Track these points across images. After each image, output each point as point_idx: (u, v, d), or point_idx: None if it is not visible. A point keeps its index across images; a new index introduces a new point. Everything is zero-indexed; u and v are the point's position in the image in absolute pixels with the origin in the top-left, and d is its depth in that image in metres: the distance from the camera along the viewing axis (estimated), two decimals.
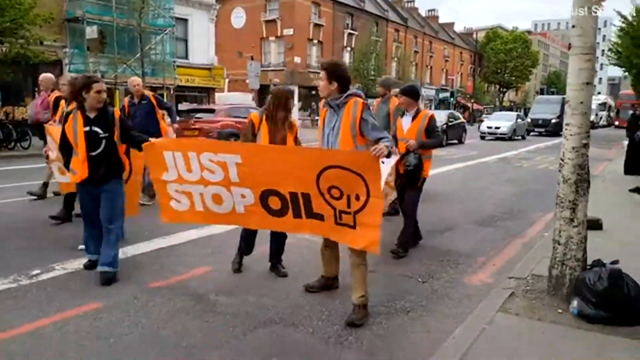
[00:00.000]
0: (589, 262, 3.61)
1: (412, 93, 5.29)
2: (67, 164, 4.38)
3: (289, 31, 38.79)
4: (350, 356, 3.14)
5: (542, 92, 61.54)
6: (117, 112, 4.26)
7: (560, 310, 3.47)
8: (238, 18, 40.31)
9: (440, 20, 64.49)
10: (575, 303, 3.36)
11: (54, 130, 5.84)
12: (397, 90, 6.56)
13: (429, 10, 63.28)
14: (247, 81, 27.92)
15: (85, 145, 4.08)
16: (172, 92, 26.06)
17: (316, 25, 40.42)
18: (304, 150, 3.91)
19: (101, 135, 4.12)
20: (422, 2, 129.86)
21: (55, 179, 6.53)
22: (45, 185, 7.54)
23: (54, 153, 5.94)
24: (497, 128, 26.31)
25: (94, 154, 4.11)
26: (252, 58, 30.90)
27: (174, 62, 25.58)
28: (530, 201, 8.69)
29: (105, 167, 4.16)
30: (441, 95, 55.97)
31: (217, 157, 3.75)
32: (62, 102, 6.61)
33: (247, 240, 4.54)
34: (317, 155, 3.58)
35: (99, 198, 4.22)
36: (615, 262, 3.50)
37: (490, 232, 6.53)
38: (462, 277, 4.74)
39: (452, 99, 51.03)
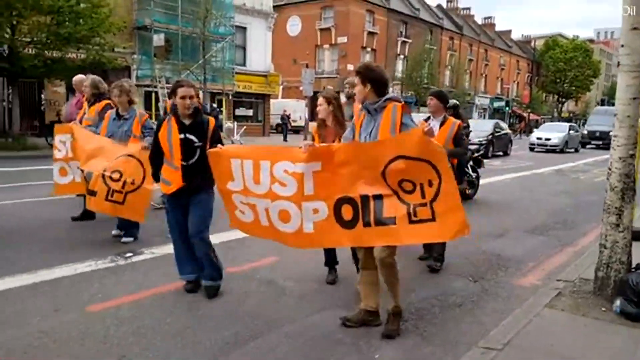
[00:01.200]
0: (633, 265, 3.84)
1: (442, 97, 5.15)
2: (155, 174, 4.20)
3: (343, 39, 39.43)
4: (407, 337, 3.53)
5: (602, 103, 59.22)
6: (212, 121, 4.07)
7: (604, 309, 3.72)
8: (294, 26, 41.39)
9: (497, 28, 63.43)
10: (618, 302, 3.61)
11: (79, 130, 5.69)
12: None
13: (485, 18, 62.43)
14: (301, 88, 28.66)
15: (181, 154, 3.89)
16: (230, 98, 27.15)
17: (370, 33, 40.87)
18: (364, 146, 3.50)
19: (196, 144, 3.91)
20: (478, 10, 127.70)
21: (53, 178, 6.08)
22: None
23: (61, 152, 5.79)
24: (548, 139, 25.16)
25: (188, 163, 3.91)
26: (307, 66, 31.66)
27: (233, 69, 26.67)
28: (585, 212, 8.72)
29: (200, 176, 3.93)
30: (496, 104, 55.02)
31: (295, 167, 3.53)
32: (85, 104, 6.45)
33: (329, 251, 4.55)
34: (376, 149, 3.36)
35: (187, 209, 4.02)
36: None
37: (542, 240, 6.71)
38: (512, 279, 5.00)
39: (507, 108, 50.10)
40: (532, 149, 25.30)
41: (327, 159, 3.50)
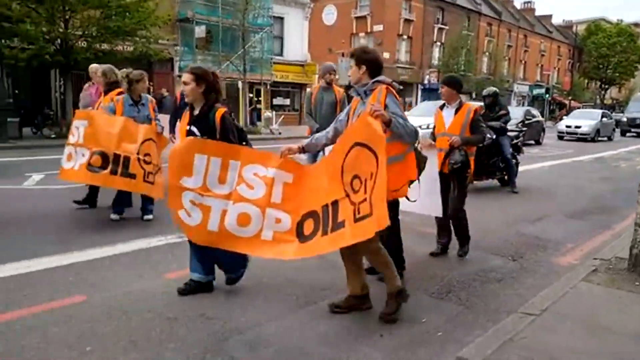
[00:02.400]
0: None
1: (453, 83, 4.86)
2: None
3: (378, 27, 39.34)
4: (449, 306, 3.87)
5: None
6: (219, 115, 3.60)
7: (637, 283, 3.97)
8: (329, 15, 41.49)
9: (537, 13, 61.77)
10: None
11: (100, 116, 5.77)
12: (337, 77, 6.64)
13: (524, 3, 60.85)
14: (337, 77, 28.87)
15: None
16: (268, 87, 27.67)
17: (406, 20, 40.61)
18: (333, 152, 3.39)
19: (197, 136, 3.61)
20: None
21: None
22: None
23: (74, 138, 5.67)
24: (578, 127, 23.88)
25: None
26: (342, 55, 31.84)
27: (271, 58, 27.15)
28: (624, 198, 8.77)
29: None
30: (535, 91, 53.82)
31: (267, 171, 3.48)
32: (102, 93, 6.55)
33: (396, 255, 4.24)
34: (337, 148, 3.33)
35: None
36: None
37: (580, 224, 6.90)
38: (550, 258, 5.26)
39: (547, 95, 48.96)
40: (560, 138, 24.14)
41: (299, 175, 3.51)
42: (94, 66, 7.32)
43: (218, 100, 3.71)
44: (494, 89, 8.32)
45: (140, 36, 17.71)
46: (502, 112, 8.77)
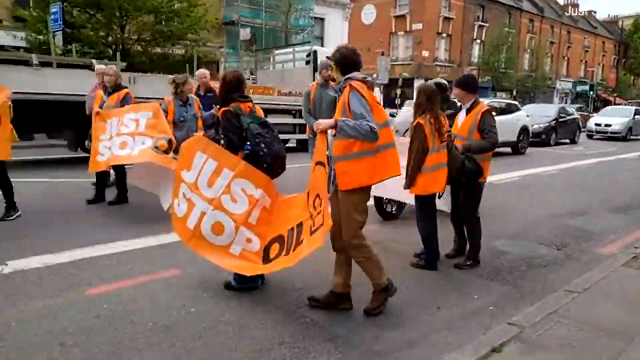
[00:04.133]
0: None
1: (465, 84, 4.68)
2: None
3: (418, 26, 39.42)
4: (497, 286, 4.30)
5: None
6: (220, 112, 3.87)
7: None
8: (368, 14, 41.65)
9: (581, 8, 60.18)
10: None
11: (158, 109, 6.19)
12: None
13: None
14: (375, 75, 29.24)
15: None
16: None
17: (446, 18, 40.52)
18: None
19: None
20: None
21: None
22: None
23: (128, 128, 6.09)
24: (608, 125, 22.63)
25: None
26: (382, 53, 32.17)
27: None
28: None
29: None
30: (579, 88, 52.56)
31: (254, 191, 3.59)
32: (98, 92, 6.81)
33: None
34: (310, 176, 3.38)
35: None
36: None
37: (623, 218, 7.13)
38: (593, 248, 5.58)
39: (591, 92, 47.81)
40: (590, 137, 22.92)
41: (278, 202, 3.66)
42: (102, 66, 7.56)
43: (232, 98, 3.83)
44: (440, 79, 6.00)
45: (190, 40, 18.58)
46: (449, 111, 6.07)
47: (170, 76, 6.83)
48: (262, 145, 3.65)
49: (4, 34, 17.36)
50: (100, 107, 6.58)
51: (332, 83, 6.48)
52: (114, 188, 6.98)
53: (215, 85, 6.59)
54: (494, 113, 4.76)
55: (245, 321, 3.41)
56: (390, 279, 3.63)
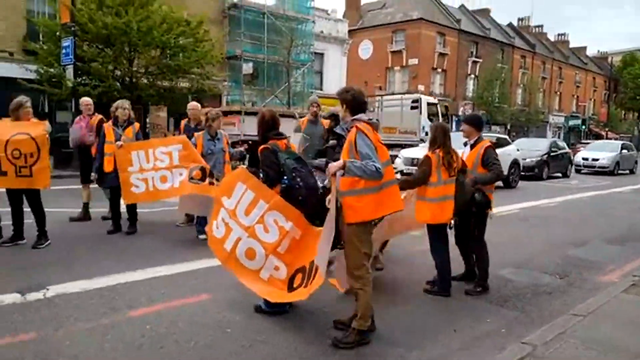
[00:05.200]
0: None
1: (473, 122, 5.21)
2: None
3: (413, 61, 40.47)
4: (507, 311, 4.61)
5: None
6: (259, 149, 4.23)
7: None
8: (365, 50, 42.90)
9: (571, 45, 62.03)
10: None
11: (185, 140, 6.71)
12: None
13: (558, 35, 61.24)
14: (372, 109, 29.93)
15: None
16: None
17: (441, 54, 41.66)
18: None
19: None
20: (550, 27, 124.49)
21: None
22: (86, 206, 7.83)
23: (163, 163, 6.62)
24: (595, 160, 22.72)
25: None
26: (380, 88, 33.06)
27: (312, 92, 28.45)
28: None
29: None
30: (571, 122, 53.78)
31: (285, 223, 3.89)
32: (106, 125, 7.08)
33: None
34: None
35: None
36: None
37: (621, 249, 7.48)
38: (594, 277, 5.90)
39: (583, 127, 48.85)
40: (578, 171, 22.77)
41: (306, 234, 3.92)
42: (85, 99, 7.85)
43: (269, 137, 4.16)
44: (333, 109, 6.08)
45: (196, 74, 19.15)
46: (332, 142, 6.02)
47: (204, 110, 7.22)
48: (298, 179, 3.95)
49: (16, 66, 17.79)
50: (117, 139, 6.87)
51: (321, 120, 7.05)
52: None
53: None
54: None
55: (278, 341, 3.70)
56: (372, 329, 3.77)
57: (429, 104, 20.97)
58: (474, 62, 44.52)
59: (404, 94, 24.75)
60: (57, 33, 16.66)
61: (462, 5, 49.08)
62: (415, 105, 19.87)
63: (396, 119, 20.68)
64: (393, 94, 26.72)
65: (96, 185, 7.58)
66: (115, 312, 4.13)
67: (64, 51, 16.01)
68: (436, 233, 4.91)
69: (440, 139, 4.73)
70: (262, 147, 4.12)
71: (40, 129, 5.86)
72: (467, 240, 5.24)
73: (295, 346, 3.64)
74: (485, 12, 50.58)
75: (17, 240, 6.08)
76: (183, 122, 8.09)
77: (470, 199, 4.77)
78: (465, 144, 5.29)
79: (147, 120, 23.53)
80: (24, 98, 6.13)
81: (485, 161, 4.93)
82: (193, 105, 8.02)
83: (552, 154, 19.21)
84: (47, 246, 6.05)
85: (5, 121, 5.99)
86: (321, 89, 30.48)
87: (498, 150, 5.37)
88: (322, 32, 29.67)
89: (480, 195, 4.83)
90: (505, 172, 14.76)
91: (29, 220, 6.15)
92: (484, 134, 5.59)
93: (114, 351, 3.43)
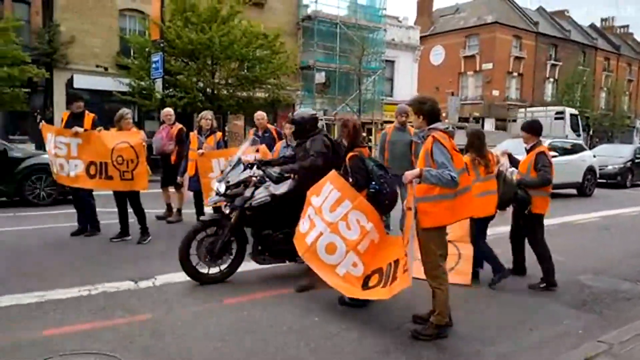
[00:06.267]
0: None
1: (531, 128, 5.50)
2: None
3: (488, 65, 39.54)
4: (584, 314, 4.67)
5: None
6: (348, 157, 4.56)
7: None
8: (437, 55, 42.52)
9: None
10: None
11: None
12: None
13: None
14: (445, 115, 29.64)
15: None
16: (379, 126, 29.13)
17: (517, 58, 40.41)
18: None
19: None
20: (637, 27, 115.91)
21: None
22: (179, 211, 8.47)
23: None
24: (602, 168, 19.59)
25: None
26: (452, 93, 32.64)
27: (382, 99, 28.69)
28: None
29: None
30: None
31: (367, 224, 4.15)
32: (192, 134, 7.76)
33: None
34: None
35: None
36: None
37: None
38: None
39: None
40: None
41: (383, 239, 4.22)
42: (167, 110, 8.49)
43: (356, 144, 4.49)
44: (309, 112, 5.49)
45: (271, 84, 20.00)
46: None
47: (288, 125, 7.76)
48: (385, 185, 4.27)
49: (110, 80, 19.47)
50: (199, 147, 7.54)
51: (409, 127, 7.27)
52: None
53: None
54: (553, 153, 5.48)
55: (362, 330, 4.04)
56: (449, 325, 3.99)
57: (571, 115, 22.08)
58: (553, 65, 42.76)
59: (547, 106, 27.56)
60: (148, 49, 18.08)
61: (540, 7, 47.34)
62: (560, 116, 21.26)
63: (545, 129, 20.40)
64: (538, 106, 29.58)
65: (173, 190, 8.43)
66: (214, 299, 4.66)
67: (153, 65, 17.32)
68: (480, 226, 5.26)
69: (476, 144, 5.23)
70: (350, 154, 4.43)
71: (137, 137, 6.63)
72: (519, 238, 5.69)
73: (379, 334, 3.96)
74: (561, 13, 48.39)
75: (123, 237, 6.87)
76: (252, 131, 8.64)
77: (514, 195, 5.16)
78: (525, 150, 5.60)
79: (226, 128, 24.77)
80: (125, 110, 6.92)
81: (536, 166, 5.24)
82: (260, 115, 8.45)
83: (636, 160, 18.29)
84: (149, 242, 6.78)
85: (111, 131, 6.81)
86: (391, 96, 30.65)
87: (572, 157, 5.60)
88: (393, 39, 29.85)
89: (522, 191, 5.16)
90: (579, 180, 14.01)
91: (131, 219, 6.94)
92: (552, 140, 5.82)
93: (219, 331, 3.92)
